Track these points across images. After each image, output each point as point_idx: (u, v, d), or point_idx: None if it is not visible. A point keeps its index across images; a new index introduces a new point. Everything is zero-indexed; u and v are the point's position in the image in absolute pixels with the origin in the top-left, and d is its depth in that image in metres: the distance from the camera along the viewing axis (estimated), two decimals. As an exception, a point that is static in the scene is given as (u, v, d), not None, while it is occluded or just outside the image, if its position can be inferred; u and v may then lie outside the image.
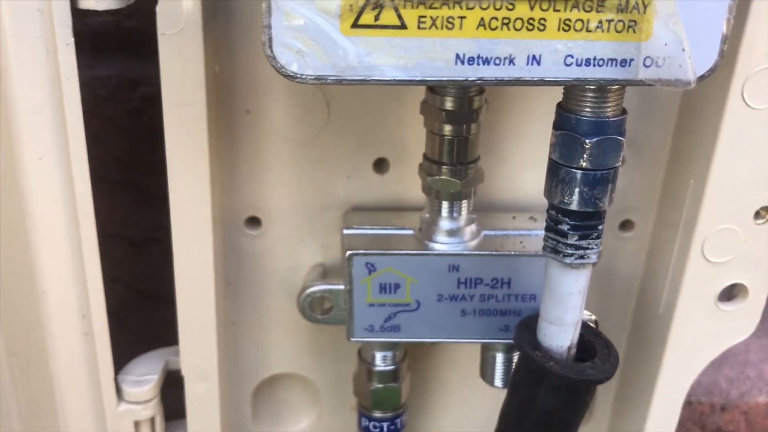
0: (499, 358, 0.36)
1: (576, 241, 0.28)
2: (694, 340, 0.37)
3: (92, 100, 0.36)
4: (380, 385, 0.37)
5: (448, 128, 0.31)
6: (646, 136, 0.36)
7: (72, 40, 0.27)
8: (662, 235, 0.37)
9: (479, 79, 0.24)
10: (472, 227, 0.34)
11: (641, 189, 0.37)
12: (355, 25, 0.23)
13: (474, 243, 0.34)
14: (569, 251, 0.28)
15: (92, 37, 0.31)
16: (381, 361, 0.36)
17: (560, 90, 0.27)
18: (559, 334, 0.30)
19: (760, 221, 0.35)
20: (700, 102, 0.34)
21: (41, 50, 0.27)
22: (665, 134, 0.36)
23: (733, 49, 0.31)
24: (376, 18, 0.23)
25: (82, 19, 0.28)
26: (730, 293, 0.37)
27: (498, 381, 0.37)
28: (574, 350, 0.31)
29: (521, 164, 0.36)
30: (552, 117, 0.27)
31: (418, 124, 0.33)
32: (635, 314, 0.40)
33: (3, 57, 0.27)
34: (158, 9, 0.28)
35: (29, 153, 0.29)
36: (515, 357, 0.36)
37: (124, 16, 0.33)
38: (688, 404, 0.50)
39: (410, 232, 0.34)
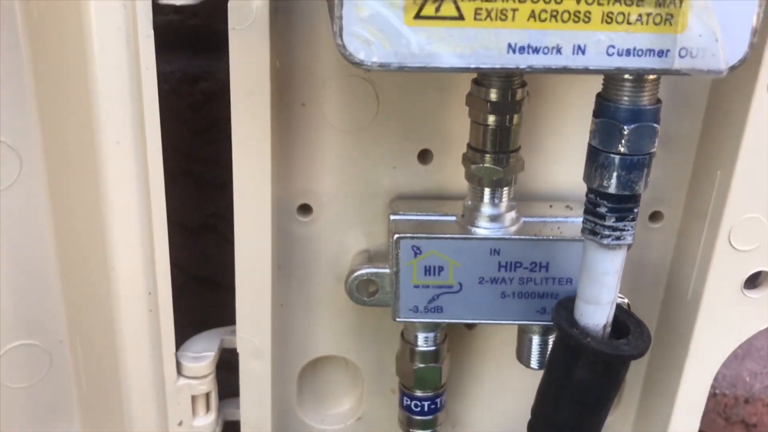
0: (536, 340, 0.38)
1: (613, 222, 0.30)
2: (721, 326, 0.39)
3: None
4: (422, 365, 0.38)
5: (492, 118, 0.33)
6: (674, 129, 0.38)
7: (152, 32, 0.30)
8: (690, 224, 0.39)
9: (529, 67, 0.26)
10: (512, 214, 0.36)
11: (670, 181, 0.39)
12: (417, 16, 0.25)
13: (514, 228, 0.36)
14: (607, 232, 0.30)
15: (157, 34, 0.33)
16: (423, 342, 0.38)
17: (598, 84, 0.29)
18: (596, 313, 0.32)
19: (785, 211, 0.37)
20: (727, 95, 0.36)
21: (123, 41, 0.30)
22: (693, 127, 0.38)
23: (760, 44, 0.33)
24: (437, 10, 0.25)
25: (155, 10, 0.30)
26: (756, 281, 0.39)
27: (534, 362, 0.38)
28: (609, 329, 0.33)
29: (558, 156, 0.38)
30: (587, 111, 0.29)
31: (461, 118, 0.35)
32: (664, 302, 0.42)
33: (88, 46, 0.30)
34: (230, 5, 0.31)
35: (107, 137, 0.31)
36: (551, 339, 0.38)
37: (188, 14, 0.36)
38: (713, 396, 0.52)
39: (453, 218, 0.36)
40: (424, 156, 0.38)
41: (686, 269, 0.39)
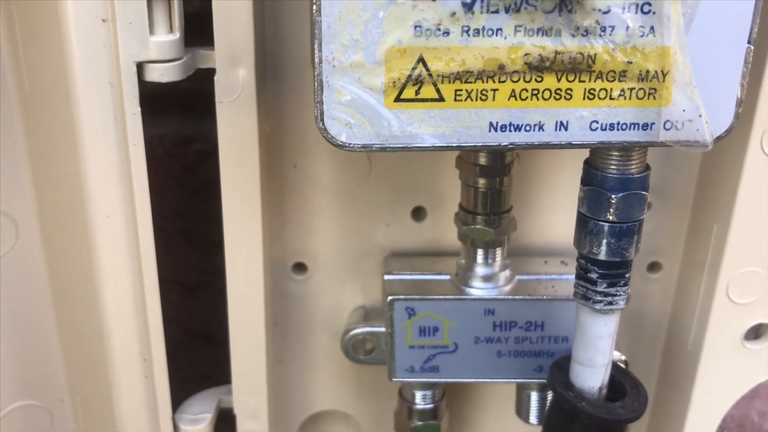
0: (534, 396, 0.38)
1: (605, 288, 0.30)
2: (722, 378, 0.38)
3: (151, 155, 0.39)
4: (420, 423, 0.38)
5: (482, 181, 0.33)
6: (671, 182, 0.38)
7: (138, 109, 0.30)
8: (689, 276, 0.39)
9: (511, 144, 0.26)
10: (506, 272, 0.36)
11: (668, 232, 0.39)
12: (397, 99, 0.25)
13: (508, 288, 0.36)
14: (598, 298, 0.30)
15: (151, 98, 0.34)
16: (421, 400, 0.38)
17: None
18: (591, 376, 0.32)
19: (782, 263, 0.36)
20: (721, 151, 0.35)
21: (111, 118, 0.30)
22: (689, 181, 0.38)
23: (752, 102, 0.33)
24: (417, 92, 0.25)
25: (142, 84, 0.31)
26: (757, 332, 0.39)
27: (533, 418, 0.38)
28: (605, 390, 0.33)
29: (552, 211, 0.38)
30: (579, 167, 0.29)
31: (453, 175, 0.35)
32: (664, 353, 0.41)
33: (77, 124, 0.30)
34: (216, 78, 0.31)
35: (99, 211, 0.31)
36: (549, 395, 0.38)
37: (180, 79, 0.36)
38: (721, 438, 0.51)
39: (447, 277, 0.36)
40: (418, 213, 0.38)
41: (686, 320, 0.39)
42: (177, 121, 0.39)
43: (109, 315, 0.34)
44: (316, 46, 0.24)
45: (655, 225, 0.39)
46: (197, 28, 0.32)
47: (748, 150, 0.34)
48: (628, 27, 0.25)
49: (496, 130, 0.26)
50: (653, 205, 0.38)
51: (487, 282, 0.35)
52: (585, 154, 0.29)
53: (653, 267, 0.40)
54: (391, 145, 0.26)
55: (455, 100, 0.25)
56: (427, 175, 0.37)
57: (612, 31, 0.25)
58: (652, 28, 0.25)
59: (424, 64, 0.25)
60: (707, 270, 0.37)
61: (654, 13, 0.25)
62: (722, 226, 0.36)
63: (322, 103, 0.25)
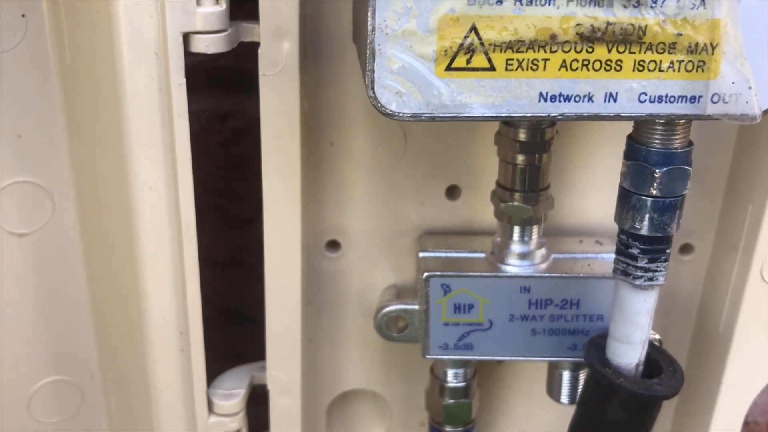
0: (566, 375, 0.38)
1: (645, 264, 0.30)
2: (753, 360, 0.38)
3: (187, 132, 0.39)
4: (452, 401, 0.38)
5: (521, 158, 0.33)
6: (705, 163, 0.38)
7: (184, 80, 0.30)
8: (721, 258, 0.39)
9: (561, 115, 0.26)
10: (542, 251, 0.36)
11: (700, 214, 0.39)
12: (448, 68, 0.25)
13: (544, 266, 0.36)
14: (639, 273, 0.30)
15: (188, 74, 0.34)
16: (453, 378, 0.38)
17: (628, 122, 0.29)
18: (628, 352, 0.32)
19: (817, 245, 0.36)
20: (756, 131, 0.35)
21: (156, 89, 0.30)
22: (724, 162, 0.38)
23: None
24: (468, 61, 0.25)
25: (186, 57, 0.31)
26: (789, 313, 0.39)
27: (564, 398, 0.38)
28: (641, 367, 0.33)
29: (588, 191, 0.38)
30: (617, 147, 0.29)
31: (488, 154, 0.35)
32: (695, 334, 0.41)
33: (121, 95, 0.30)
34: (260, 52, 0.31)
35: (141, 182, 0.32)
36: (581, 375, 0.38)
37: (217, 54, 0.36)
38: (745, 424, 0.51)
39: (482, 255, 0.36)
40: (452, 192, 0.38)
41: (718, 302, 0.39)
42: (213, 98, 0.40)
43: (148, 287, 0.34)
44: (369, 14, 0.24)
45: (687, 206, 0.38)
46: (242, 2, 0.33)
47: (786, 130, 0.34)
48: (679, -1, 0.25)
49: (546, 100, 0.26)
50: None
51: (523, 260, 0.35)
52: (624, 132, 0.29)
53: (685, 249, 0.40)
54: (440, 115, 0.26)
55: (506, 69, 0.25)
56: (462, 153, 0.37)
57: (663, 3, 0.25)
58: (702, 1, 0.25)
59: (477, 33, 0.25)
60: (741, 251, 0.37)
61: (705, -15, 0.25)
62: (757, 206, 0.36)
63: (374, 71, 0.25)
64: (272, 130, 0.32)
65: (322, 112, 0.35)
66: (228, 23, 0.30)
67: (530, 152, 0.33)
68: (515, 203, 0.34)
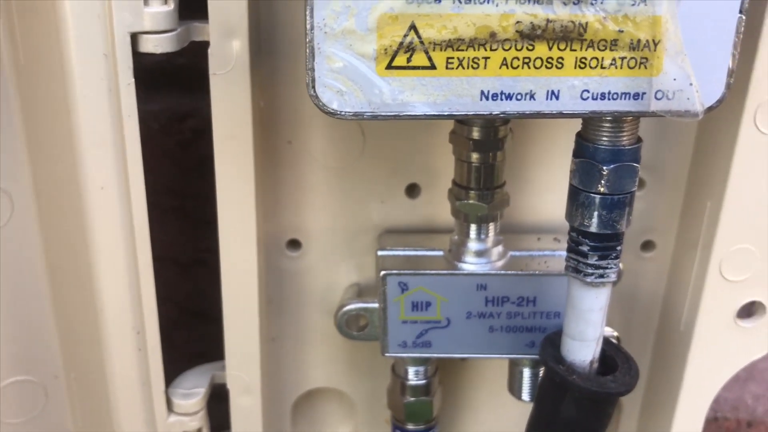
0: (526, 372, 0.38)
1: (596, 261, 0.30)
2: (715, 356, 0.38)
3: (145, 132, 0.39)
4: (413, 399, 0.38)
5: (475, 156, 0.33)
6: (665, 160, 0.38)
7: (132, 80, 0.30)
8: (682, 254, 0.39)
9: (502, 113, 0.26)
10: (499, 248, 0.36)
11: (661, 210, 0.39)
12: (389, 66, 0.25)
13: (501, 263, 0.36)
14: (590, 270, 0.30)
15: (145, 74, 0.34)
16: (413, 376, 0.38)
17: (580, 119, 0.29)
18: (582, 349, 0.32)
19: (775, 241, 0.36)
20: (715, 128, 0.36)
21: (105, 90, 0.30)
22: (683, 158, 0.38)
23: (745, 78, 0.33)
24: (408, 60, 0.25)
25: (137, 58, 0.31)
26: (750, 310, 0.39)
27: (525, 395, 0.38)
28: (596, 365, 0.33)
29: (545, 188, 0.38)
30: (572, 144, 0.29)
31: (447, 151, 0.35)
32: (658, 331, 0.42)
33: (71, 96, 0.30)
34: (210, 51, 0.31)
35: (92, 182, 0.31)
36: (541, 372, 0.38)
37: (175, 54, 0.36)
38: (714, 420, 0.51)
39: (440, 253, 0.36)
40: (412, 190, 0.38)
41: (679, 299, 0.39)
42: (172, 98, 0.40)
43: (103, 287, 0.34)
44: (307, 12, 0.25)
45: (648, 203, 0.39)
46: (193, 1, 0.33)
47: (741, 126, 0.34)
48: (619, -5, 0.25)
49: (487, 98, 0.26)
50: (647, 184, 0.38)
51: (480, 257, 0.36)
52: (578, 127, 0.29)
53: (647, 246, 0.40)
54: (382, 113, 0.26)
55: (447, 68, 0.25)
56: (421, 151, 0.37)
57: (603, 0, 0.25)
58: (643, -3, 0.25)
59: (416, 32, 0.25)
60: (700, 248, 0.37)
61: (645, -19, 0.25)
62: (715, 203, 0.36)
63: (314, 70, 0.25)
64: (224, 129, 0.32)
65: (279, 111, 0.35)
66: (177, 23, 0.30)
67: (484, 150, 0.33)
68: (470, 201, 0.34)
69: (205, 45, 0.32)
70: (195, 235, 0.42)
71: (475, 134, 0.33)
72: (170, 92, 0.39)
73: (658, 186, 0.38)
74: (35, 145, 0.34)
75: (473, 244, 0.36)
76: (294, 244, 0.39)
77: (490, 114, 0.26)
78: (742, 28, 0.26)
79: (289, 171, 0.37)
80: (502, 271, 0.35)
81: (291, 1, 0.33)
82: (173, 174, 0.41)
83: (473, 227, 0.35)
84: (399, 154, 0.37)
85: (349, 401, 0.43)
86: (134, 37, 0.30)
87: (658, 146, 0.38)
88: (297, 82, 0.35)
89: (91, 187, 0.32)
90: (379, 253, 0.37)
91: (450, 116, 0.26)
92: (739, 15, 0.25)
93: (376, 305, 0.37)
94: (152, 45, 0.30)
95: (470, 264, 0.36)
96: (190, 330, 0.45)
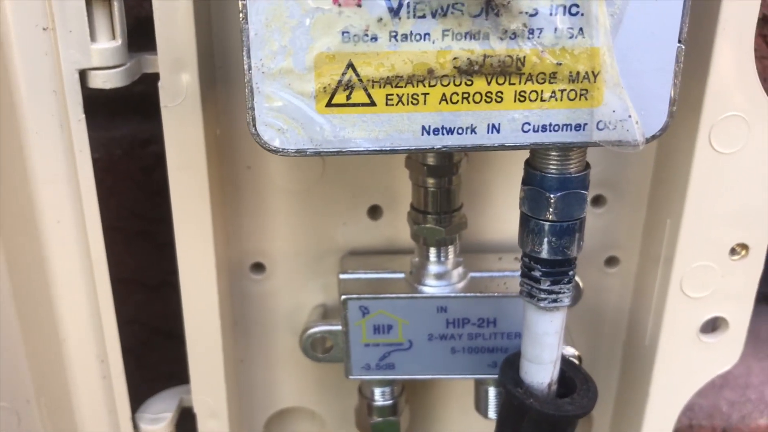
0: (492, 391, 0.38)
1: (548, 286, 0.30)
2: (679, 371, 0.39)
3: (108, 158, 0.40)
4: (380, 419, 0.39)
5: (431, 181, 0.34)
6: (626, 178, 0.38)
7: (83, 116, 0.30)
8: (645, 270, 0.39)
9: (444, 147, 0.26)
10: (459, 270, 0.36)
11: (624, 227, 0.39)
12: (329, 104, 0.26)
13: (461, 285, 0.36)
14: (543, 296, 0.30)
15: (107, 101, 0.34)
16: (380, 396, 0.39)
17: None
18: (539, 372, 0.32)
19: (735, 257, 0.36)
20: (672, 147, 0.36)
21: (56, 126, 0.30)
22: (644, 176, 0.38)
23: (699, 99, 0.33)
24: (348, 97, 0.25)
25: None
26: (714, 325, 0.39)
27: (491, 413, 0.39)
28: (554, 386, 0.33)
29: (505, 206, 0.38)
30: (530, 164, 0.29)
31: (408, 173, 0.35)
32: (625, 345, 0.42)
33: (23, 132, 0.30)
34: (160, 84, 0.31)
35: (48, 217, 0.32)
36: (505, 391, 0.38)
37: (135, 82, 0.36)
38: (689, 428, 0.51)
39: (401, 275, 0.37)
40: (374, 212, 0.38)
41: (643, 314, 0.39)
42: (134, 124, 0.40)
43: (64, 318, 0.34)
44: (244, 53, 0.25)
45: (611, 220, 0.39)
46: (147, 32, 0.33)
47: (697, 145, 0.34)
48: (556, 29, 0.25)
49: (428, 133, 0.26)
50: (609, 201, 0.38)
51: (440, 280, 0.36)
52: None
53: (611, 261, 0.40)
54: (325, 150, 0.26)
55: (387, 104, 0.26)
56: (382, 173, 0.37)
57: (540, 33, 0.25)
58: (581, 29, 0.25)
59: (354, 70, 0.25)
60: (662, 264, 0.37)
61: (582, 14, 0.25)
62: (675, 220, 0.36)
63: (254, 110, 0.25)
64: (178, 160, 0.33)
65: (237, 137, 0.36)
66: (126, 57, 0.31)
67: (439, 175, 0.33)
68: (428, 225, 0.34)
69: (158, 75, 0.32)
70: (161, 257, 0.43)
71: (430, 160, 0.33)
72: (132, 119, 0.40)
73: (619, 203, 0.39)
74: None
75: (433, 267, 0.36)
76: (258, 267, 0.39)
77: (432, 148, 0.26)
78: (682, 57, 0.26)
79: (250, 196, 0.37)
80: (462, 294, 0.35)
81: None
82: (137, 198, 0.41)
83: (432, 250, 0.35)
84: (359, 177, 0.37)
85: (321, 420, 0.43)
86: (83, 74, 0.30)
87: (618, 164, 0.38)
88: (254, 109, 0.35)
89: (47, 221, 0.32)
90: (341, 276, 0.37)
91: (392, 151, 0.26)
92: (678, 44, 0.25)
93: (339, 328, 0.37)
94: (101, 81, 0.30)
95: (431, 287, 0.36)
96: (161, 351, 0.45)
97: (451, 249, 0.35)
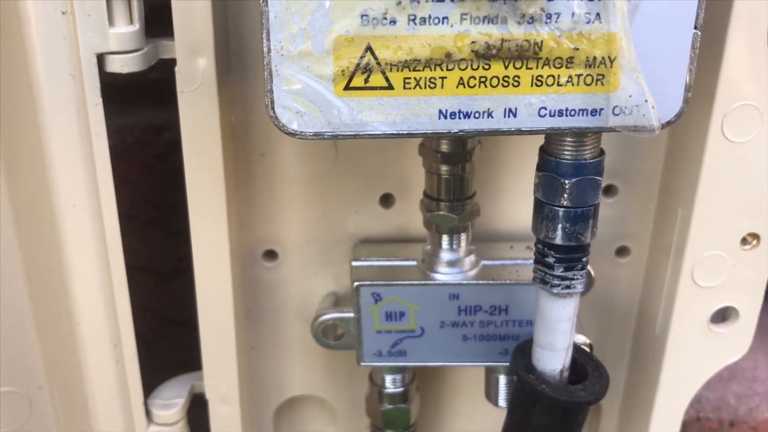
0: (502, 379, 0.38)
1: (562, 272, 0.30)
2: (689, 360, 0.39)
3: (122, 145, 0.40)
4: (390, 406, 0.39)
5: (444, 168, 0.34)
6: (637, 168, 0.38)
7: (100, 100, 0.30)
8: (656, 260, 0.39)
9: (461, 131, 0.27)
10: (471, 258, 0.36)
11: (635, 217, 0.39)
12: (347, 87, 0.26)
13: (473, 272, 0.36)
14: (556, 282, 0.30)
15: (121, 88, 0.34)
16: (390, 384, 0.39)
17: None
18: (551, 359, 0.32)
19: (746, 247, 0.37)
20: (684, 136, 0.36)
21: (73, 110, 0.30)
22: (655, 166, 0.38)
23: (712, 87, 0.33)
24: (366, 81, 0.26)
25: (109, 74, 0.31)
26: (724, 315, 0.39)
27: (501, 401, 0.39)
28: (566, 373, 0.33)
29: (517, 195, 0.38)
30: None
31: (420, 161, 0.36)
32: (635, 335, 0.42)
33: (40, 116, 0.30)
34: (177, 69, 0.31)
35: (65, 201, 0.32)
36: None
37: (149, 69, 0.36)
38: (697, 420, 0.52)
39: (414, 263, 0.37)
40: (386, 200, 0.38)
41: (653, 304, 0.39)
42: (148, 111, 0.40)
43: (79, 302, 0.34)
44: (264, 36, 0.25)
45: (622, 210, 0.39)
46: (162, 19, 0.33)
47: (709, 135, 0.34)
48: (573, 14, 0.25)
49: (445, 117, 0.26)
50: (620, 191, 0.39)
51: (452, 267, 0.36)
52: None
53: (621, 251, 0.40)
54: (342, 133, 0.26)
55: (404, 88, 0.26)
56: (394, 162, 0.37)
57: (558, 18, 0.25)
58: (597, 14, 0.25)
59: (372, 53, 0.25)
60: (673, 254, 0.37)
61: (600, -1, 0.25)
62: (686, 210, 0.36)
63: (272, 92, 0.26)
64: (194, 145, 0.33)
65: (251, 125, 0.36)
66: (144, 42, 0.31)
67: (453, 162, 0.34)
68: (441, 212, 0.35)
69: (174, 60, 0.32)
70: (174, 245, 0.43)
71: (444, 147, 0.33)
72: (146, 106, 0.40)
73: (630, 193, 0.39)
74: (9, 162, 0.35)
75: (445, 254, 0.36)
76: (270, 254, 0.39)
77: (449, 132, 0.26)
78: (698, 44, 0.26)
79: (263, 183, 0.37)
80: (474, 281, 0.36)
81: (259, 16, 0.33)
82: (151, 186, 0.41)
83: (445, 238, 0.36)
84: (372, 165, 0.37)
85: (330, 408, 0.44)
86: (100, 58, 0.30)
87: (629, 154, 0.38)
88: (268, 96, 0.35)
89: (63, 206, 0.32)
90: (354, 263, 0.37)
91: (409, 135, 0.26)
92: (695, 31, 0.26)
93: (351, 315, 0.37)
94: (118, 65, 0.30)
95: (443, 274, 0.36)
96: (173, 338, 0.45)
97: (463, 237, 0.36)
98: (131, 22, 0.30)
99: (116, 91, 0.35)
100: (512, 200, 0.38)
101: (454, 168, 0.34)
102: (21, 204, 0.35)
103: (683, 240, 0.36)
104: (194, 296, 0.40)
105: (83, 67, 0.30)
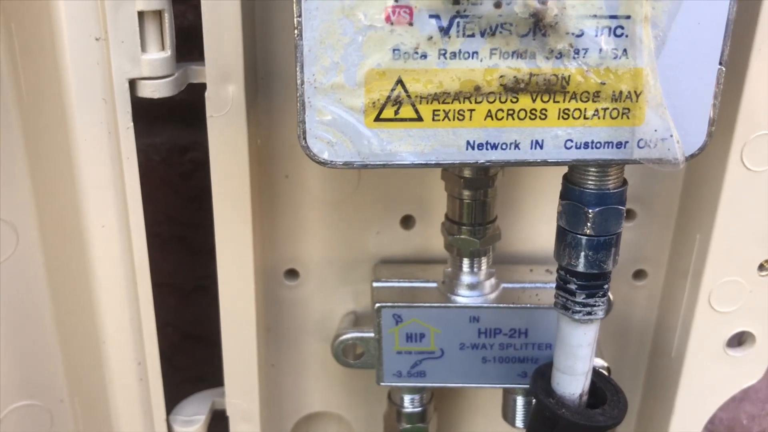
0: (520, 401, 0.39)
1: (583, 299, 0.31)
2: (704, 385, 0.39)
3: (147, 164, 0.40)
4: (408, 426, 0.39)
5: (466, 193, 0.34)
6: (655, 193, 0.38)
7: (131, 125, 0.31)
8: (673, 284, 0.40)
9: (488, 162, 0.27)
10: (492, 281, 0.37)
11: (652, 241, 0.40)
12: (377, 119, 0.26)
13: (493, 296, 0.37)
14: (578, 308, 0.31)
15: (147, 108, 0.35)
16: (409, 403, 0.39)
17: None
18: (571, 383, 0.33)
19: (764, 273, 0.37)
20: (703, 164, 0.36)
21: (105, 133, 0.31)
22: (673, 192, 0.38)
23: (732, 117, 0.34)
24: (396, 112, 0.26)
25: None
26: (740, 339, 0.39)
27: (519, 422, 0.39)
28: (585, 397, 0.33)
29: (537, 219, 0.39)
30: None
31: (441, 184, 0.36)
32: (651, 357, 0.42)
33: (72, 138, 0.31)
34: (207, 94, 0.32)
35: (94, 222, 0.32)
36: (534, 401, 0.38)
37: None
38: (709, 440, 0.52)
39: (434, 284, 0.37)
40: (407, 221, 0.39)
41: (670, 328, 0.40)
42: (173, 131, 0.41)
43: (105, 320, 0.35)
44: (298, 68, 0.25)
45: (640, 234, 0.39)
46: (190, 42, 0.33)
47: (729, 163, 0.34)
48: (601, 49, 0.26)
49: (473, 148, 0.27)
50: (638, 215, 0.39)
51: (473, 290, 0.36)
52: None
53: (638, 275, 0.41)
54: (372, 163, 0.27)
55: (433, 119, 0.26)
56: (415, 184, 0.38)
57: (585, 53, 0.26)
58: (624, 50, 0.26)
59: (403, 86, 0.26)
60: (690, 279, 0.38)
61: (627, 36, 0.25)
62: (704, 236, 0.36)
63: (305, 123, 0.26)
64: (222, 168, 0.33)
65: (276, 147, 0.36)
66: (174, 67, 0.31)
67: (475, 188, 0.34)
68: (462, 236, 0.35)
69: (203, 84, 0.33)
70: (195, 262, 0.43)
71: (467, 173, 0.34)
72: (171, 126, 0.40)
73: (649, 217, 0.39)
74: (40, 181, 0.35)
75: (466, 277, 0.36)
76: (292, 273, 0.40)
77: (476, 163, 0.27)
78: (722, 79, 0.26)
79: (286, 204, 0.38)
80: (495, 304, 0.36)
81: (286, 45, 0.34)
82: (174, 204, 0.42)
83: (466, 261, 0.36)
84: (393, 187, 0.38)
85: (348, 425, 0.44)
86: (132, 83, 0.31)
87: (648, 179, 0.38)
88: (292, 120, 0.35)
89: (92, 226, 0.32)
90: (375, 284, 0.37)
91: (437, 165, 0.27)
92: (719, 66, 0.26)
93: (371, 335, 0.38)
94: (150, 90, 0.31)
95: (463, 297, 0.36)
96: (192, 354, 0.46)
97: (484, 260, 0.36)
98: (163, 48, 0.31)
99: (142, 111, 0.35)
100: (532, 223, 0.39)
101: (476, 193, 0.34)
102: (49, 222, 0.36)
103: (701, 265, 0.37)
104: (213, 312, 0.41)
105: (115, 92, 0.30)
